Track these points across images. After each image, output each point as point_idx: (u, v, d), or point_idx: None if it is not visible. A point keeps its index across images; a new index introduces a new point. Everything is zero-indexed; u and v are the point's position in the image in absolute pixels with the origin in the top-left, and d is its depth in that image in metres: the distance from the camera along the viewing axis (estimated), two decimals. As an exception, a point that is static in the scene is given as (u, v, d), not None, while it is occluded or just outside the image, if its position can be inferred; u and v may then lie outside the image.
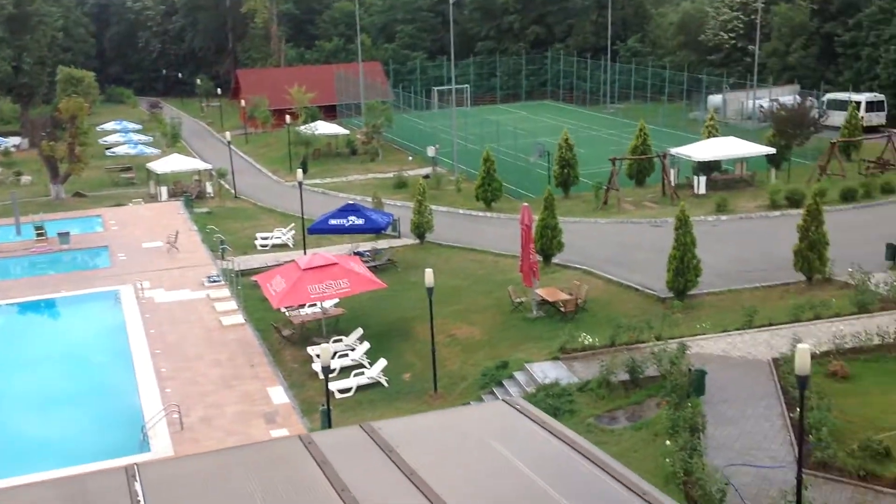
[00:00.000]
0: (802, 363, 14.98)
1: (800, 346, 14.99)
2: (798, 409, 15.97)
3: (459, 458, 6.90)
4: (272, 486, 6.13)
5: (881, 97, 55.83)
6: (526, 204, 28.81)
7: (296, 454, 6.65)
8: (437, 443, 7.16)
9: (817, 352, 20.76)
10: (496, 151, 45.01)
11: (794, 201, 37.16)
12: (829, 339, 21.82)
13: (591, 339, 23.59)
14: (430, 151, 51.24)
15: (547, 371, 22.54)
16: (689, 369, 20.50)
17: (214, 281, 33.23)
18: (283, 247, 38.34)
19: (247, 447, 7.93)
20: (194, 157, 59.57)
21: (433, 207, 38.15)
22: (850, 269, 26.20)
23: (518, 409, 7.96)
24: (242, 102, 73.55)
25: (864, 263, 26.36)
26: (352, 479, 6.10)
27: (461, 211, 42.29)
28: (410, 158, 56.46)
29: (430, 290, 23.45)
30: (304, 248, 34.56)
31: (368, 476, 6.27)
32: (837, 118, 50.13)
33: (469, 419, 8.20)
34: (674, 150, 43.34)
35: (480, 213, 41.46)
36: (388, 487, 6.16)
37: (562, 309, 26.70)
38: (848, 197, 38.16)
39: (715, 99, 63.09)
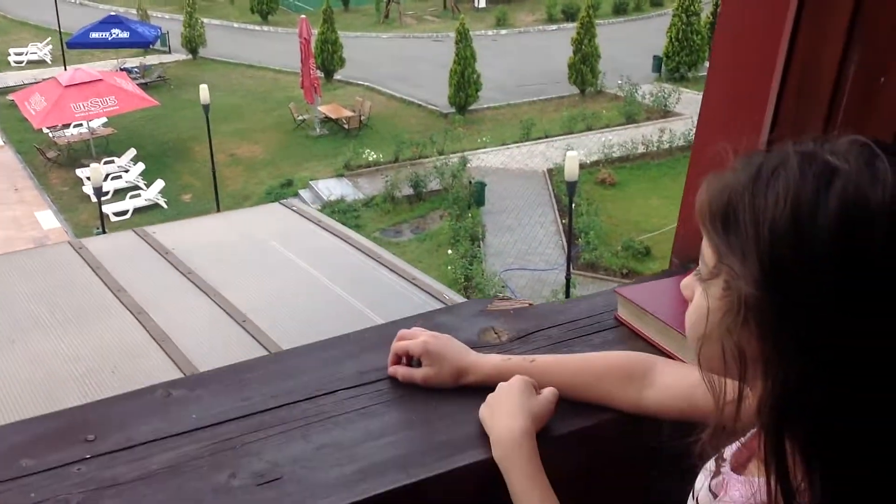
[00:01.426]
0: (571, 170, 15.72)
1: (569, 153, 15.67)
2: (568, 215, 16.86)
3: (237, 257, 6.85)
4: (47, 291, 5.83)
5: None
6: (304, 17, 27.71)
7: (68, 259, 6.35)
8: (213, 243, 7.07)
9: (588, 161, 21.81)
10: (272, -40, 42.56)
11: (569, 14, 37.87)
12: (599, 149, 22.94)
13: (375, 156, 23.60)
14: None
15: (332, 188, 22.48)
16: (470, 182, 21.06)
17: (-37, 102, 30.24)
18: (40, 63, 35.20)
19: (14, 254, 7.54)
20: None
21: (205, 20, 36.00)
22: (619, 82, 27.31)
23: (295, 211, 8.00)
24: None
25: (633, 75, 27.54)
26: (127, 280, 5.88)
27: (236, 24, 40.18)
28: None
29: (206, 108, 22.45)
30: (65, 64, 31.89)
31: (145, 277, 6.08)
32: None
33: (245, 221, 8.17)
34: (455, -38, 42.68)
35: (257, 27, 39.58)
36: (166, 287, 6.01)
37: (345, 126, 26.40)
38: (619, 10, 39.31)
39: None
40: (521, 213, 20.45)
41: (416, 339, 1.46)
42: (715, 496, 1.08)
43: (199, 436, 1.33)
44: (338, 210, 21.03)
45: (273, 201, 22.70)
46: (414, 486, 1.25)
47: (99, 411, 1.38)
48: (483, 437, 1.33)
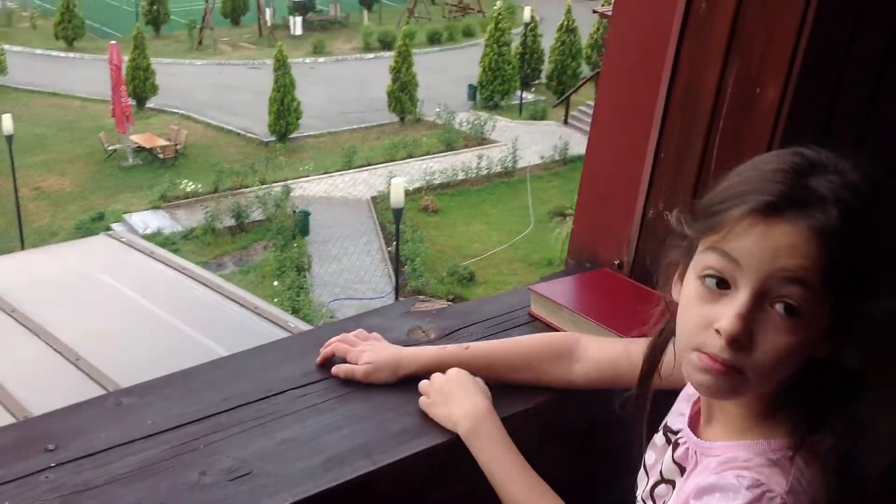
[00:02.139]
0: (397, 197, 15.96)
1: (394, 180, 15.89)
2: (395, 242, 17.08)
3: (65, 293, 6.59)
4: None
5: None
6: (114, 43, 26.76)
7: None
8: (38, 279, 6.77)
9: (410, 188, 22.16)
10: (75, -15, 40.85)
11: (386, 43, 38.40)
12: (421, 177, 23.35)
13: (193, 186, 23.02)
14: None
15: (148, 221, 21.73)
16: (294, 211, 20.93)
17: None
18: None
19: None
20: None
21: (5, 47, 34.09)
22: (437, 110, 27.96)
23: (125, 242, 7.82)
24: None
25: (450, 104, 28.26)
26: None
27: (38, 51, 38.21)
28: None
29: (9, 139, 21.24)
30: None
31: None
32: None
33: (71, 254, 7.91)
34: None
35: (62, 54, 37.79)
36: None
37: (160, 155, 25.61)
38: (433, 40, 40.23)
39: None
40: (347, 242, 20.51)
41: (355, 343, 1.55)
42: (683, 469, 1.21)
43: (160, 439, 1.36)
44: (155, 244, 20.32)
45: (83, 237, 21.74)
46: (379, 472, 1.34)
47: (53, 422, 1.38)
48: (431, 424, 1.43)
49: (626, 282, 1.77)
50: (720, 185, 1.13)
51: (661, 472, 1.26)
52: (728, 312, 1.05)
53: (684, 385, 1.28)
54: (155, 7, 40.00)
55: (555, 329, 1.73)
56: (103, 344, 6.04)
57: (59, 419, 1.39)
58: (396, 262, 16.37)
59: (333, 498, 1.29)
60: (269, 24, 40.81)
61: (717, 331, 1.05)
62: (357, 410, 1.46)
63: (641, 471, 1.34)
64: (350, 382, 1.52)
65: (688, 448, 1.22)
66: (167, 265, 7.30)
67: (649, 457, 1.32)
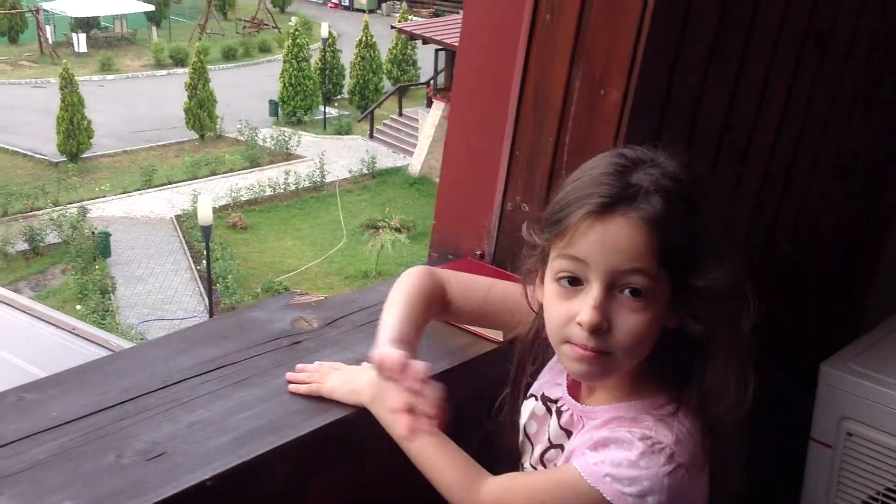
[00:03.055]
0: (205, 214, 15.65)
1: (201, 197, 15.58)
2: (204, 261, 16.71)
3: None
4: None
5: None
6: None
7: None
8: None
9: (217, 206, 21.69)
10: None
11: (178, 60, 37.35)
12: (227, 193, 22.91)
13: (-22, 211, 21.58)
14: None
15: (-71, 249, 20.16)
16: (93, 232, 20.03)
17: None
18: None
19: None
20: None
21: None
22: (238, 126, 27.52)
23: None
24: None
25: (251, 120, 27.86)
26: None
27: None
28: None
29: None
30: None
31: None
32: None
33: None
34: (47, 5, 40.30)
35: None
36: None
37: (-63, 180, 23.82)
38: (229, 56, 39.49)
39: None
40: (153, 262, 19.83)
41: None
42: (570, 433, 1.34)
43: (69, 429, 1.39)
44: (-61, 273, 18.94)
45: None
46: (289, 445, 1.43)
47: (-45, 420, 1.39)
48: (329, 403, 1.53)
49: (491, 269, 1.93)
50: (558, 194, 1.29)
51: (549, 438, 1.38)
52: (585, 306, 1.22)
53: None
54: (-79, 22, 37.15)
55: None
56: None
57: (-39, 417, 1.40)
58: (209, 280, 16.00)
59: (250, 472, 1.37)
60: (50, 41, 38.70)
61: (579, 323, 1.22)
62: (255, 394, 1.54)
63: (523, 439, 1.45)
64: (248, 368, 1.60)
65: (572, 414, 1.35)
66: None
67: (530, 426, 1.44)
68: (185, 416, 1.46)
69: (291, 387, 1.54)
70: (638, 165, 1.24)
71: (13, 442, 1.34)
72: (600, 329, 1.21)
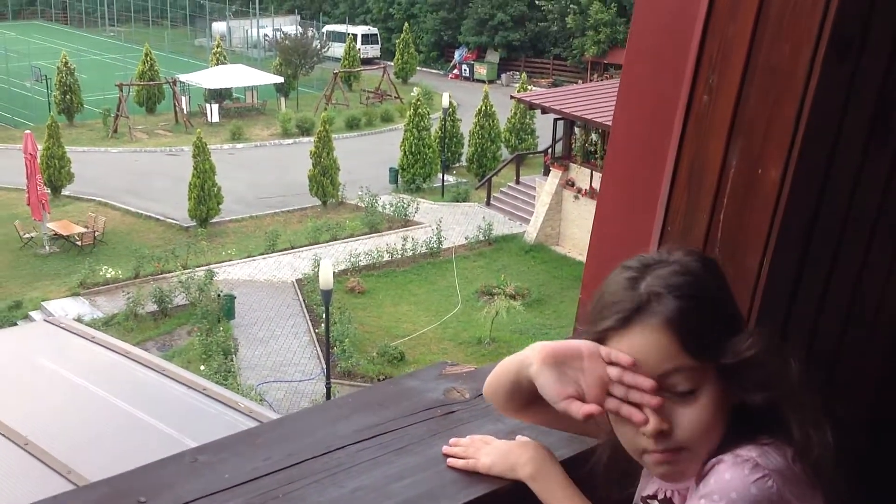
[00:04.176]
0: (325, 278, 15.99)
1: (322, 262, 15.95)
2: (323, 324, 17.05)
3: (7, 378, 6.48)
4: None
5: (374, 30, 59.92)
6: (29, 132, 26.44)
7: None
8: None
9: (336, 270, 22.19)
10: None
11: (304, 129, 38.76)
12: (346, 259, 23.43)
13: (113, 272, 22.66)
14: None
15: (67, 308, 21.23)
16: (218, 295, 20.74)
17: None
18: None
19: None
20: None
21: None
22: (359, 193, 28.23)
23: (64, 328, 7.71)
24: None
25: (372, 187, 28.57)
26: None
27: (-55, 140, 37.42)
28: None
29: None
30: None
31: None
32: (337, 50, 52.87)
33: (12, 340, 7.75)
34: (183, 77, 42.57)
35: (-29, 143, 37.06)
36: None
37: (78, 242, 25.19)
38: (352, 125, 40.76)
39: (220, 26, 62.82)
40: (273, 325, 20.37)
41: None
42: None
43: (240, 490, 1.45)
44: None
45: (1, 326, 21.12)
46: (451, 513, 1.45)
47: (136, 478, 1.46)
48: (482, 475, 1.54)
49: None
50: (594, 297, 1.33)
51: None
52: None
53: None
54: (68, 96, 39.65)
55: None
56: (50, 427, 5.96)
57: (142, 475, 1.47)
58: (327, 343, 16.32)
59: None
60: (185, 111, 40.81)
61: (643, 433, 1.24)
62: (413, 462, 1.58)
63: None
64: (404, 438, 1.64)
65: (673, 492, 1.34)
66: (108, 348, 7.25)
67: None
68: (349, 482, 1.50)
69: (450, 461, 1.57)
70: (646, 270, 1.29)
71: (190, 502, 1.40)
72: (663, 432, 1.23)
